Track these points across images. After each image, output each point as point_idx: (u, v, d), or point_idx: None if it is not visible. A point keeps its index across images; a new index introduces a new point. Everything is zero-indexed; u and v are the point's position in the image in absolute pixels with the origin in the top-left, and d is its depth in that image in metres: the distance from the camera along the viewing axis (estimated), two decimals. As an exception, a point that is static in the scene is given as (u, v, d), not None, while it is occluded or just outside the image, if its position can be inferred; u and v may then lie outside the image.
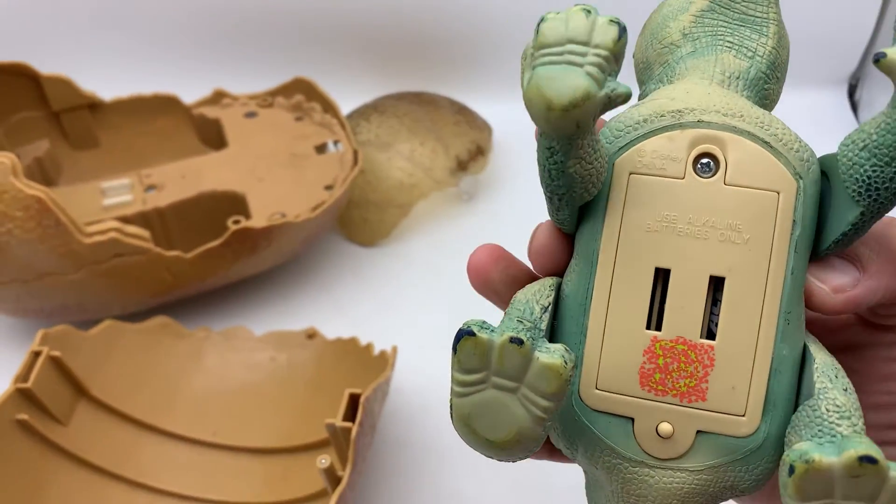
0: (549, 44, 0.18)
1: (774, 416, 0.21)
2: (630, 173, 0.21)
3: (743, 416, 0.21)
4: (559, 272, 0.23)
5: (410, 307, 0.56)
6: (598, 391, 0.21)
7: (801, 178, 0.21)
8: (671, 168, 0.21)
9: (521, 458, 0.20)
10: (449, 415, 0.20)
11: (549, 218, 0.23)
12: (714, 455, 0.21)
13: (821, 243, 0.21)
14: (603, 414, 0.21)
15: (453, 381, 0.19)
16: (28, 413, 0.41)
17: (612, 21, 0.18)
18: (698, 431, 0.21)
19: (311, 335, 0.50)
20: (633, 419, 0.21)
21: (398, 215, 0.59)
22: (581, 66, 0.18)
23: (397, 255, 0.60)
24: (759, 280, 0.21)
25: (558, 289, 0.22)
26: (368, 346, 0.47)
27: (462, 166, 0.60)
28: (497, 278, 0.24)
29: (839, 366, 0.21)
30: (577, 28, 0.18)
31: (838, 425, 0.19)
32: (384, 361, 0.45)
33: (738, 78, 0.22)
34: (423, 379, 0.50)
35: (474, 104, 0.67)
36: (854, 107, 0.72)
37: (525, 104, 0.19)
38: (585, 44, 0.18)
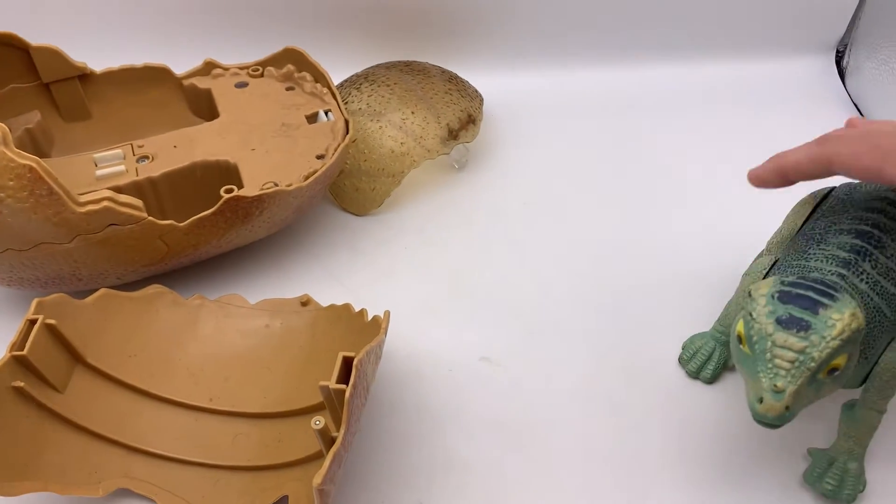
0: None
1: None
2: None
3: None
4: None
5: (402, 275, 0.56)
6: None
7: None
8: None
9: None
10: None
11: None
12: None
13: None
14: None
15: None
16: (24, 380, 0.41)
17: None
18: None
19: (305, 302, 0.51)
20: None
21: (390, 184, 0.59)
22: None
23: (389, 224, 0.60)
24: None
25: None
26: (361, 312, 0.47)
27: (453, 135, 0.61)
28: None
29: None
30: None
31: None
32: (377, 326, 0.46)
33: None
34: (416, 344, 0.51)
35: (465, 73, 0.67)
36: (842, 74, 0.72)
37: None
38: None
